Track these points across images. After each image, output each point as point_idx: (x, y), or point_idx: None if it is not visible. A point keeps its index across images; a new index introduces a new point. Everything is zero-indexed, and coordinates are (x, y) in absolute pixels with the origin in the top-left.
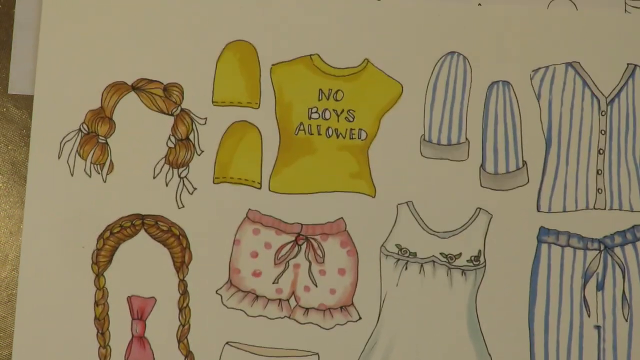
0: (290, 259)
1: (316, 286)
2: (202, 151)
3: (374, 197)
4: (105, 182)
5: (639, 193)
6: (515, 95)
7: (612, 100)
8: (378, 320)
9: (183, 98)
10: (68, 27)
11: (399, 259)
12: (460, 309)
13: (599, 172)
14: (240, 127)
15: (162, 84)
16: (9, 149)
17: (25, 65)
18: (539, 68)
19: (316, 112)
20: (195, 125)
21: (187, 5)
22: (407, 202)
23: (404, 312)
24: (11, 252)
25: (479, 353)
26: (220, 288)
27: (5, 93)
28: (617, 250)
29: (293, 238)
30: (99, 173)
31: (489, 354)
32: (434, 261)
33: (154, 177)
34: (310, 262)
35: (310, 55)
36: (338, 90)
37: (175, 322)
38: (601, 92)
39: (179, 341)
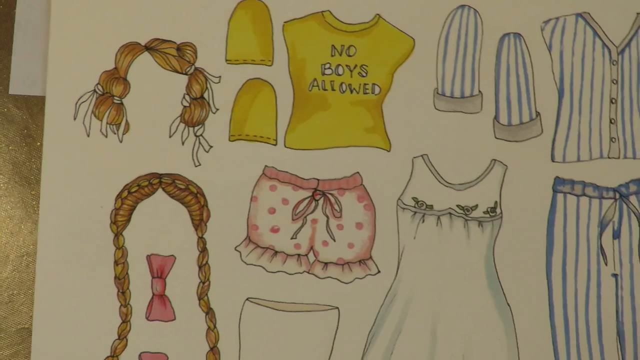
0: (307, 215)
1: (334, 240)
2: (217, 109)
3: (389, 151)
4: (121, 142)
5: None
6: (527, 46)
7: (623, 49)
8: (397, 274)
9: (196, 57)
10: None
11: (415, 212)
12: (478, 261)
13: (612, 121)
14: (254, 84)
15: (176, 43)
16: (10, 149)
17: (26, 65)
18: (550, 19)
19: (329, 68)
20: (210, 84)
21: None
22: (422, 155)
23: (422, 264)
24: (12, 253)
25: (497, 303)
26: (239, 245)
27: (6, 93)
28: (632, 198)
29: (310, 193)
30: (115, 133)
31: (508, 304)
32: (450, 213)
33: (169, 136)
34: (327, 217)
35: (322, 11)
36: (350, 45)
37: (195, 279)
38: (612, 42)
39: (199, 298)
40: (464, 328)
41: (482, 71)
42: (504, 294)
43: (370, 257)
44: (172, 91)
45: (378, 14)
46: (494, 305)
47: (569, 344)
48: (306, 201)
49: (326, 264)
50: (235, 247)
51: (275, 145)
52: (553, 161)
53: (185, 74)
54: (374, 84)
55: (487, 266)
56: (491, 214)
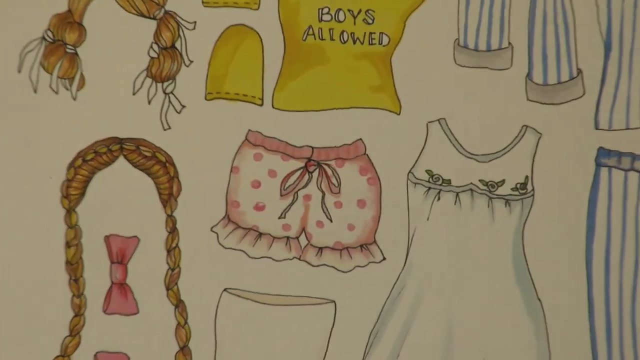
0: (299, 189)
1: (331, 221)
2: (191, 61)
3: (399, 114)
4: (75, 99)
5: None
6: None
7: None
8: (405, 262)
9: None
10: None
11: (430, 188)
12: (504, 247)
13: None
14: (236, 32)
15: None
16: None
17: None
18: None
19: (328, 13)
20: (182, 31)
21: None
22: (438, 120)
23: (436, 251)
24: None
25: (526, 298)
26: (216, 225)
27: None
28: None
29: (302, 164)
30: (67, 89)
31: (539, 300)
32: (471, 190)
33: (133, 94)
34: (323, 193)
35: None
36: None
37: (163, 265)
38: None
39: (167, 288)
40: (485, 327)
41: (513, 19)
42: (534, 288)
43: (374, 242)
44: (137, 39)
45: None
46: (522, 300)
47: (611, 349)
48: (298, 173)
49: (321, 249)
50: (212, 228)
51: (261, 105)
52: (597, 128)
53: (153, 18)
54: (381, 33)
55: (515, 254)
56: (521, 191)
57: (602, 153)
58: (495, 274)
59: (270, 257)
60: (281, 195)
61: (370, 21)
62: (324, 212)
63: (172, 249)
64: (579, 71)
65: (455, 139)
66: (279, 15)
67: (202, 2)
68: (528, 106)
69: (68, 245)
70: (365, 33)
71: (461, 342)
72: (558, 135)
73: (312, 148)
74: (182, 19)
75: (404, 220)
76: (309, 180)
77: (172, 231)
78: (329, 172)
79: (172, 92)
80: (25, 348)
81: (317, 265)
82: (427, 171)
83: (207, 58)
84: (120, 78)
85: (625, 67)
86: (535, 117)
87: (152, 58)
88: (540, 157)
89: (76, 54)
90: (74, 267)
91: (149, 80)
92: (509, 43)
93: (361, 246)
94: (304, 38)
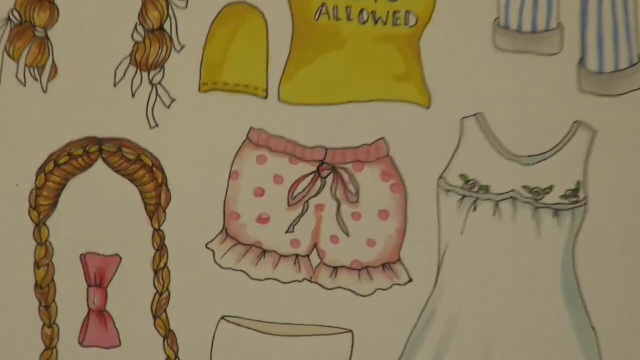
0: (310, 198)
1: (348, 236)
2: (183, 47)
3: (429, 107)
4: (46, 92)
5: None
6: None
7: None
8: (436, 284)
9: None
10: None
11: (464, 196)
12: (552, 265)
13: None
14: (236, 11)
15: None
16: None
17: None
18: None
19: None
20: (172, 10)
21: None
22: (475, 115)
23: (472, 270)
24: None
25: (577, 325)
26: (212, 241)
27: None
28: None
29: (314, 168)
30: (37, 80)
31: (592, 327)
32: (514, 198)
33: (114, 85)
34: (338, 202)
35: None
36: None
37: (150, 289)
38: None
39: (155, 316)
40: (529, 359)
41: None
42: (587, 313)
43: (399, 260)
44: (119, 20)
45: None
46: (572, 328)
47: None
48: (309, 179)
49: (336, 268)
50: (207, 245)
51: (265, 98)
52: None
53: None
54: (408, 12)
55: (565, 273)
56: (572, 199)
57: None
58: (542, 297)
59: (276, 279)
60: (289, 206)
61: None
62: (340, 225)
63: (160, 270)
64: None
65: (495, 138)
66: None
67: None
68: (581, 98)
69: (38, 265)
70: (388, 12)
71: None
72: (616, 132)
73: (326, 149)
74: None
75: (433, 235)
76: (322, 187)
77: (160, 248)
78: (346, 177)
79: (160, 83)
80: None
81: (332, 289)
82: (461, 176)
83: (201, 42)
84: (98, 67)
85: None
86: (589, 112)
87: (136, 42)
88: (595, 159)
89: (47, 38)
90: (45, 291)
91: (133, 69)
92: (559, 23)
93: (383, 265)
94: (316, 18)
